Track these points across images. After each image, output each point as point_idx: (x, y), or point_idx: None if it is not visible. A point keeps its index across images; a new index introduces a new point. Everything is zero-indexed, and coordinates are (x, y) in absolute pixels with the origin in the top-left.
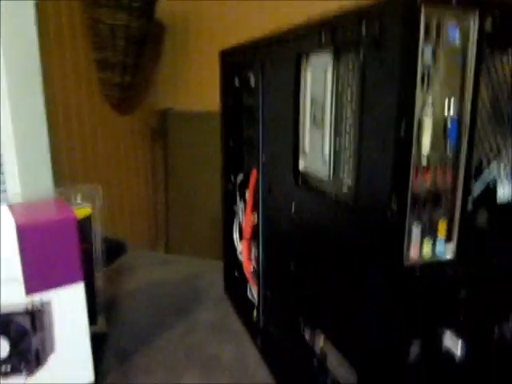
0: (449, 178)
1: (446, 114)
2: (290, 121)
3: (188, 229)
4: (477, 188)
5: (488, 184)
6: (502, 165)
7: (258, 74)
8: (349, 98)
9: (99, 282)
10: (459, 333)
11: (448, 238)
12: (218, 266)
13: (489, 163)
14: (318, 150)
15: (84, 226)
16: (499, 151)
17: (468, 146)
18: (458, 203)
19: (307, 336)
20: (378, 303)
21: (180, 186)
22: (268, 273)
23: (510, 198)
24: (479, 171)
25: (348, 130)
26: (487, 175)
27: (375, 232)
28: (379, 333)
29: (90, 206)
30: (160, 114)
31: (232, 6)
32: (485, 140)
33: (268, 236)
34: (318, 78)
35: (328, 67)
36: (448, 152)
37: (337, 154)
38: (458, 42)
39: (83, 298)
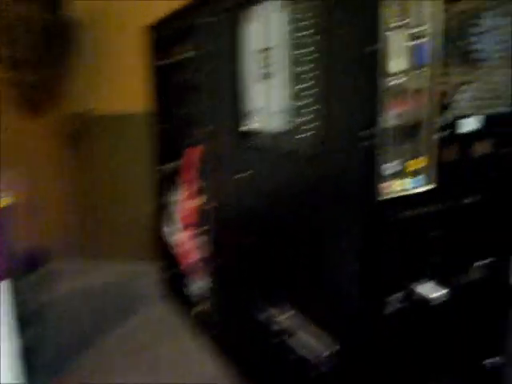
0: (420, 103)
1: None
2: (233, 79)
3: (114, 232)
4: (444, 120)
5: (454, 116)
6: (465, 97)
7: (196, 37)
8: (308, 37)
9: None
10: (433, 275)
11: (420, 171)
12: (151, 266)
13: (454, 99)
14: (269, 103)
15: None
16: (463, 84)
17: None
18: (429, 133)
19: (269, 316)
20: (356, 251)
21: (103, 189)
22: (220, 257)
23: (473, 128)
24: (446, 105)
25: (308, 70)
26: (453, 108)
27: (347, 172)
28: (361, 285)
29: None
30: (78, 116)
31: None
32: (452, 72)
33: (219, 217)
34: (265, 26)
35: (277, 11)
36: (419, 73)
37: (294, 102)
38: None
39: (7, 296)
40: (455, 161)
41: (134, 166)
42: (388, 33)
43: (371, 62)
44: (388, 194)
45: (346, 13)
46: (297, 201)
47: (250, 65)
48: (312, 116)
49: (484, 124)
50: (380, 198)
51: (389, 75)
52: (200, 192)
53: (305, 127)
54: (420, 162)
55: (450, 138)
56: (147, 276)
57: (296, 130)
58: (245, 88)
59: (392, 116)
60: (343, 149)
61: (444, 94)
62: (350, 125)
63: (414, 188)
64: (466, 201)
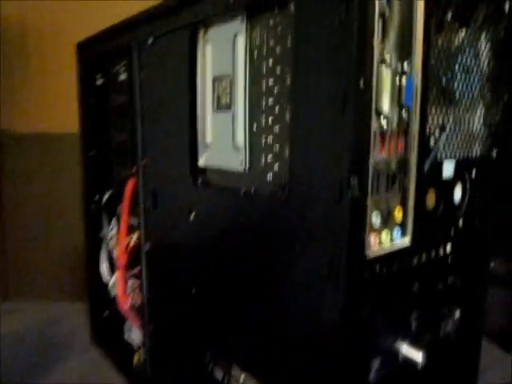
0: (402, 145)
1: (399, 68)
2: (184, 109)
3: (33, 269)
4: (426, 166)
5: (435, 161)
6: (446, 142)
7: (135, 59)
8: (275, 67)
9: None
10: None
11: (404, 223)
12: (78, 308)
13: (436, 142)
14: (226, 138)
15: None
16: (444, 129)
17: (421, 107)
18: (413, 180)
19: (218, 374)
20: (339, 309)
21: (20, 219)
22: (158, 304)
23: (451, 175)
24: (428, 150)
25: (275, 104)
26: (434, 153)
27: (324, 223)
28: (344, 345)
29: None
30: None
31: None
32: (434, 116)
33: (156, 258)
34: (223, 52)
35: (238, 36)
36: (403, 113)
37: (255, 137)
38: None
39: None
40: (434, 209)
41: (61, 194)
42: (374, 68)
43: (358, 98)
44: (375, 247)
45: (326, 40)
46: (257, 249)
47: (204, 93)
48: (279, 155)
49: (459, 168)
50: (367, 254)
51: (376, 114)
52: (133, 229)
53: (270, 167)
54: (400, 211)
55: (430, 183)
56: (75, 319)
57: (259, 169)
58: (197, 118)
59: (376, 160)
60: (320, 196)
61: (425, 136)
62: (328, 170)
63: (396, 239)
64: (441, 252)
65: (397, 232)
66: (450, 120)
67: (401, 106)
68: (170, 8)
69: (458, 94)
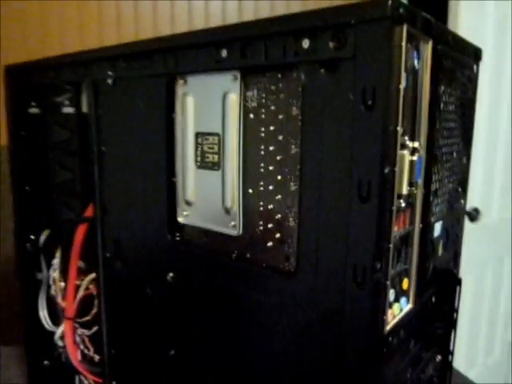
0: (412, 221)
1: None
2: (159, 163)
3: None
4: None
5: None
6: (437, 206)
7: (90, 98)
8: (276, 134)
9: None
10: None
11: (408, 292)
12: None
13: (434, 223)
14: (213, 198)
15: None
16: (437, 193)
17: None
18: (416, 250)
19: None
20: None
21: None
22: (121, 362)
23: (438, 235)
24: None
25: (276, 172)
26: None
27: (341, 305)
28: None
29: None
30: None
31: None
32: (432, 184)
33: (119, 313)
34: (210, 108)
35: (229, 94)
36: (413, 190)
37: (251, 202)
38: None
39: None
40: (429, 270)
41: None
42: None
43: (382, 186)
44: (390, 322)
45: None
46: (251, 324)
47: (184, 147)
48: (282, 224)
49: (443, 227)
50: (385, 330)
51: (398, 197)
52: (80, 273)
53: (270, 234)
54: (407, 282)
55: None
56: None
57: (256, 235)
58: (176, 172)
59: (392, 238)
60: (337, 279)
61: (428, 206)
62: (348, 254)
63: (404, 308)
64: (429, 304)
65: (404, 302)
66: (440, 184)
67: (411, 184)
68: (140, 53)
69: (444, 158)
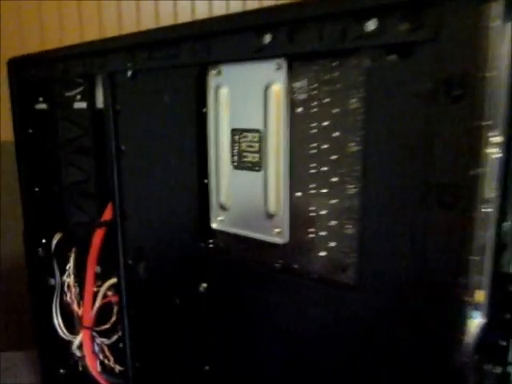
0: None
1: None
2: (188, 163)
3: None
4: None
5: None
6: None
7: (107, 92)
8: (331, 130)
9: None
10: None
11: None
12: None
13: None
14: (253, 202)
15: None
16: None
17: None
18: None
19: None
20: None
21: None
22: (147, 378)
23: None
24: None
25: (331, 174)
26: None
27: (408, 321)
28: None
29: None
30: None
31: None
32: None
33: (144, 324)
34: (249, 102)
35: (273, 86)
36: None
37: (299, 206)
38: None
39: None
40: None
41: None
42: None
43: (470, 190)
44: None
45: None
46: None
47: (218, 145)
48: (337, 231)
49: None
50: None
51: (484, 200)
52: (100, 280)
53: (322, 243)
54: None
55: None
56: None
57: (305, 243)
58: (209, 174)
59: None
60: (416, 294)
61: None
62: (427, 269)
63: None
64: None
65: (476, 316)
66: None
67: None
68: (165, 41)
69: None
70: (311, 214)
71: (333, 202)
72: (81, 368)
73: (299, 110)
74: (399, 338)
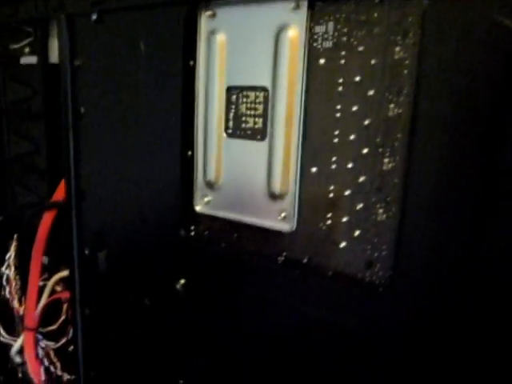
0: None
1: None
2: (168, 130)
3: None
4: None
5: None
6: None
7: (64, 42)
8: (363, 87)
9: None
10: None
11: None
12: None
13: None
14: (253, 180)
15: None
16: None
17: None
18: None
19: None
20: None
21: None
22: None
23: None
24: None
25: (359, 144)
26: None
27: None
28: None
29: None
30: None
31: None
32: None
33: (101, 327)
34: (254, 51)
35: (287, 30)
36: None
37: (312, 186)
38: None
39: None
40: None
41: None
42: None
43: None
44: None
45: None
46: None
47: (208, 108)
48: (363, 217)
49: None
50: None
51: None
52: (47, 273)
53: (343, 232)
54: None
55: None
56: None
57: (318, 232)
58: (195, 143)
59: None
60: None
61: None
62: (475, 260)
63: None
64: None
65: None
66: None
67: None
68: None
69: None
70: (330, 195)
71: (361, 179)
72: (20, 374)
73: (321, 61)
74: (434, 353)
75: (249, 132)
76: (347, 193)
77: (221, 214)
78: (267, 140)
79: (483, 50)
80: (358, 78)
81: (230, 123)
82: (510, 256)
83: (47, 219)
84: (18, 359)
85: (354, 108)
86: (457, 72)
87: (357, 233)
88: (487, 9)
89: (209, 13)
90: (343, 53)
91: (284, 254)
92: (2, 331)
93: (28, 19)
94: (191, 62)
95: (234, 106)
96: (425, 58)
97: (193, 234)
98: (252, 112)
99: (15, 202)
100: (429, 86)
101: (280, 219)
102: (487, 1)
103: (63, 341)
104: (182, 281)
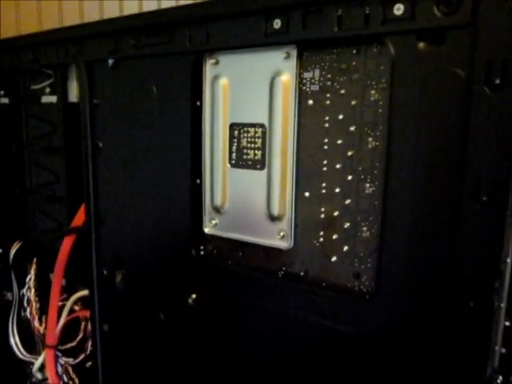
0: None
1: None
2: (179, 161)
3: None
4: None
5: None
6: None
7: (84, 84)
8: (347, 125)
9: None
10: None
11: None
12: None
13: None
14: (254, 204)
15: None
16: None
17: None
18: None
19: None
20: None
21: None
22: None
23: None
24: None
25: (346, 172)
26: None
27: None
28: None
29: None
30: None
31: None
32: None
33: (120, 343)
34: (253, 93)
35: (280, 76)
36: None
37: (306, 208)
38: None
39: None
40: None
41: None
42: None
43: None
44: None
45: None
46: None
47: (213, 141)
48: (350, 235)
49: None
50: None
51: None
52: (65, 294)
53: (334, 247)
54: None
55: None
56: None
57: (313, 248)
58: (203, 172)
59: None
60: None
61: None
62: (451, 263)
63: None
64: None
65: None
66: None
67: None
68: (155, 26)
69: None
70: (321, 216)
71: (347, 202)
72: None
73: (310, 102)
74: (420, 354)
75: (250, 162)
76: (336, 213)
77: (227, 234)
78: (266, 169)
79: (442, 92)
80: (341, 116)
81: (233, 155)
82: (483, 268)
83: (67, 243)
84: (39, 376)
85: (339, 141)
86: (421, 110)
87: (345, 248)
88: (444, 61)
89: (213, 60)
90: (328, 95)
91: (284, 268)
92: (22, 350)
93: (50, 64)
94: (198, 103)
95: (236, 140)
96: (395, 99)
97: (202, 253)
98: (252, 145)
99: (35, 228)
100: (399, 122)
101: (279, 238)
102: (444, 55)
103: (81, 357)
104: (194, 295)
